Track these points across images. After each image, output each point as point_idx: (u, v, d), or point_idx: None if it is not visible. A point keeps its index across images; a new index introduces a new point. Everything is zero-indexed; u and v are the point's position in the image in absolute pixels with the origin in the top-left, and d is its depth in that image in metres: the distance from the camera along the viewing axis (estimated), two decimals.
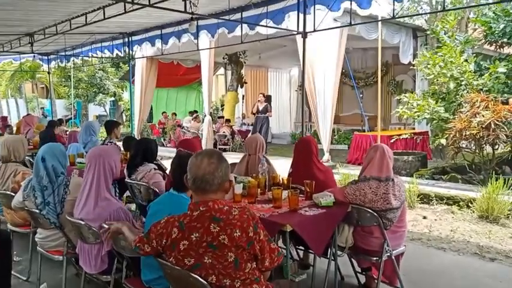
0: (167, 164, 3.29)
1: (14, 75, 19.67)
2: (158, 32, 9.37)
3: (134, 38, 10.32)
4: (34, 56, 11.81)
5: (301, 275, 3.74)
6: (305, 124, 15.11)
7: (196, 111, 15.90)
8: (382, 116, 14.18)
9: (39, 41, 9.16)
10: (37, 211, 3.09)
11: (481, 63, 8.45)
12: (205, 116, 11.62)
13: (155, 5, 5.58)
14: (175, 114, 15.98)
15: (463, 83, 7.80)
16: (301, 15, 6.45)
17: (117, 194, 5.20)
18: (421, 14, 12.49)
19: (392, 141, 9.31)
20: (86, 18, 7.09)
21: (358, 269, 3.63)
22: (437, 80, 8.14)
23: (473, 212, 5.92)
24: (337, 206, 3.05)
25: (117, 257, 2.79)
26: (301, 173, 3.52)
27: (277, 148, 13.20)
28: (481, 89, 7.57)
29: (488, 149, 7.41)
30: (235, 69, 14.77)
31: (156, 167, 3.81)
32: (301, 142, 3.80)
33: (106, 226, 2.56)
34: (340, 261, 3.60)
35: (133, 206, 5.00)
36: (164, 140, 14.71)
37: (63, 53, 12.52)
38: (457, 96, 7.86)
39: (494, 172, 6.82)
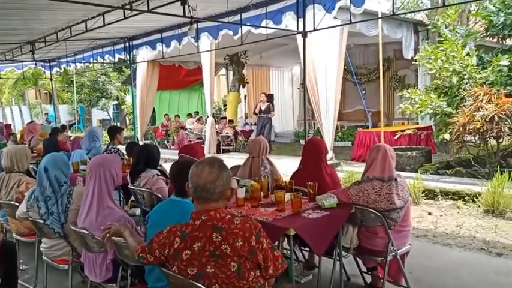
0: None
1: (17, 83, 19.79)
2: (158, 35, 9.39)
3: (135, 42, 10.36)
4: (36, 63, 11.87)
5: (307, 276, 3.75)
6: (308, 122, 15.20)
7: (197, 113, 15.92)
8: (385, 111, 14.14)
9: (40, 48, 9.21)
10: (41, 221, 3.11)
11: (483, 56, 8.39)
12: (207, 117, 11.64)
13: (154, 11, 5.59)
14: (179, 116, 16.00)
15: (465, 76, 7.75)
16: (300, 15, 6.43)
17: (121, 200, 5.26)
18: (422, 10, 12.43)
19: (396, 137, 9.28)
20: (86, 25, 7.12)
21: (364, 269, 3.62)
22: (439, 75, 8.10)
23: (479, 206, 5.88)
24: (341, 208, 3.05)
25: (122, 265, 2.80)
26: (310, 174, 3.50)
27: (281, 147, 13.20)
28: (484, 83, 7.52)
29: (492, 142, 7.37)
30: (236, 69, 14.78)
31: (159, 173, 3.81)
32: (312, 143, 3.77)
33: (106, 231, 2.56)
34: (346, 261, 3.60)
35: (138, 211, 5.03)
36: (168, 142, 14.74)
37: (65, 60, 12.57)
38: (460, 90, 7.82)
39: (499, 165, 6.78)
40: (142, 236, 2.65)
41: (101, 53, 11.26)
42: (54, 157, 3.21)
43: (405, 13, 9.00)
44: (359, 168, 7.07)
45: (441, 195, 6.49)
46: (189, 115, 15.89)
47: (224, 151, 12.08)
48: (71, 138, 8.75)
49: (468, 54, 7.90)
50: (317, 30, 6.38)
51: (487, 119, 6.69)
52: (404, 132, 9.22)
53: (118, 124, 24.29)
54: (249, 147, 4.16)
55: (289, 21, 6.98)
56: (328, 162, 8.56)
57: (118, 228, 2.52)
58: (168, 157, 9.83)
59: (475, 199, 6.04)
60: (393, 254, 3.12)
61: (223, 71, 17.53)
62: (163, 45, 9.31)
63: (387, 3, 6.11)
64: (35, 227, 3.32)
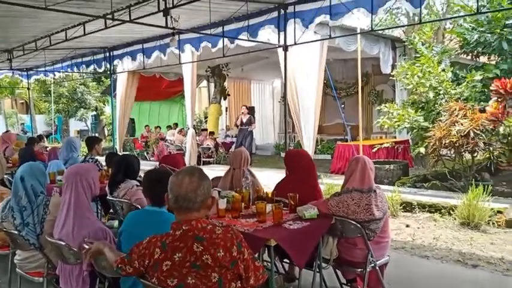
0: None
1: None
2: (140, 46, 9.35)
3: (115, 52, 10.28)
4: (13, 72, 11.63)
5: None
6: (288, 135, 15.30)
7: (176, 125, 15.84)
8: (364, 125, 14.37)
9: (18, 57, 9.04)
10: (16, 232, 3.02)
11: (458, 72, 8.65)
12: (188, 129, 11.60)
13: (136, 21, 5.58)
14: (159, 128, 15.89)
15: (441, 92, 7.97)
16: (281, 29, 6.53)
17: (99, 212, 5.16)
18: (399, 27, 12.79)
19: (374, 150, 9.42)
20: (66, 34, 7.04)
21: (344, 280, 3.63)
22: (416, 90, 8.30)
23: (455, 219, 6.00)
24: (321, 219, 3.07)
25: (99, 277, 2.74)
26: (301, 186, 3.46)
27: (262, 159, 13.22)
28: (459, 98, 7.75)
29: (467, 156, 7.57)
30: (218, 81, 14.82)
31: (138, 184, 3.77)
32: (305, 156, 3.78)
33: (86, 246, 2.51)
34: (326, 273, 3.61)
35: (115, 223, 4.94)
36: (147, 153, 14.58)
37: (44, 69, 12.37)
38: (436, 105, 8.02)
39: (474, 179, 6.95)
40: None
41: (80, 62, 11.13)
42: (31, 166, 3.14)
43: (383, 29, 9.19)
44: (338, 181, 7.13)
45: (418, 208, 6.60)
46: (169, 127, 15.81)
47: (205, 163, 12.03)
48: (47, 149, 8.58)
49: (444, 70, 8.14)
50: (298, 44, 6.47)
51: (463, 134, 6.88)
52: (382, 146, 9.37)
53: (96, 135, 23.97)
54: (230, 159, 4.16)
55: (270, 34, 7.07)
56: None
57: (98, 247, 2.44)
58: (147, 168, 9.70)
59: (451, 212, 6.17)
60: (372, 265, 3.15)
61: (204, 83, 17.55)
62: (145, 56, 9.27)
63: (366, 19, 6.25)
64: (9, 238, 3.23)
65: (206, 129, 13.90)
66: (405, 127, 8.27)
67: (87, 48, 10.02)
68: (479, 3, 4.91)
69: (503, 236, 5.48)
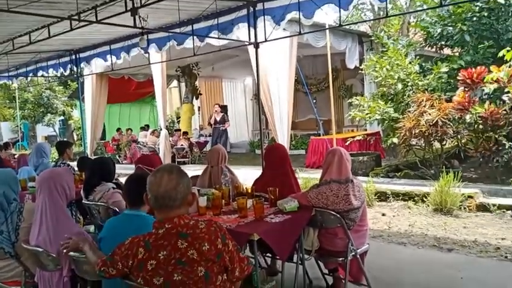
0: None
1: None
2: (107, 47, 9.15)
3: (82, 55, 10.02)
4: None
5: (270, 282, 3.76)
6: (263, 132, 15.34)
7: (148, 126, 15.62)
8: (336, 119, 14.59)
9: None
10: None
11: (423, 64, 8.89)
12: (161, 129, 11.47)
13: (103, 22, 5.47)
14: (131, 130, 15.62)
15: (409, 84, 8.18)
16: (251, 26, 6.53)
17: (75, 217, 5.03)
18: (366, 21, 13.04)
19: (347, 143, 9.57)
20: (30, 37, 6.81)
21: (326, 271, 3.69)
22: (385, 82, 8.49)
23: (428, 206, 6.19)
24: (302, 211, 3.11)
25: (80, 282, 2.68)
26: (278, 179, 3.52)
27: (237, 157, 13.20)
28: (426, 89, 7.97)
29: (436, 145, 7.80)
30: (189, 81, 14.69)
31: (115, 186, 3.70)
32: (279, 149, 3.81)
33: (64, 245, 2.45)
34: (308, 265, 3.65)
35: (91, 228, 4.84)
36: (119, 156, 14.32)
37: (7, 74, 11.94)
38: (405, 97, 8.23)
39: (444, 166, 7.17)
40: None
41: (45, 66, 10.78)
42: (1, 173, 3.04)
43: (351, 24, 9.35)
44: (314, 175, 7.23)
45: (392, 197, 6.78)
46: (142, 128, 15.55)
47: (180, 163, 11.90)
48: (15, 156, 8.31)
49: (411, 62, 8.35)
50: (269, 41, 6.49)
51: (431, 123, 7.08)
52: (355, 139, 9.54)
53: (65, 140, 23.35)
54: (207, 157, 4.15)
55: (240, 32, 7.07)
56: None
57: (76, 242, 2.41)
58: (121, 172, 9.54)
59: (424, 199, 6.36)
60: (353, 253, 3.21)
61: (175, 83, 17.36)
62: (112, 58, 9.08)
63: (334, 14, 6.33)
64: None
65: (179, 130, 13.76)
66: (376, 119, 8.44)
67: (53, 51, 9.72)
68: None
69: (475, 219, 5.70)
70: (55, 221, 2.66)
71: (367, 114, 8.50)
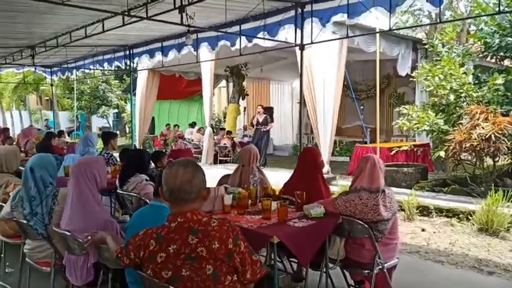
0: None
1: (17, 88, 19.84)
2: (159, 44, 9.43)
3: (135, 50, 10.40)
4: (35, 68, 11.91)
5: (294, 287, 3.70)
6: (308, 136, 15.18)
7: (195, 123, 15.93)
8: (385, 128, 14.16)
9: (40, 53, 9.25)
10: (25, 222, 3.07)
11: (479, 75, 8.42)
12: (206, 127, 11.67)
13: (152, 18, 5.63)
14: (178, 126, 16.02)
15: (462, 95, 7.77)
16: (298, 28, 6.48)
17: (113, 206, 5.20)
18: (415, 26, 12.54)
19: (392, 153, 9.26)
20: (86, 31, 7.16)
21: (352, 282, 3.56)
22: (436, 92, 8.12)
23: (473, 224, 5.84)
24: (327, 217, 3.02)
25: (103, 268, 2.76)
26: (306, 183, 3.47)
27: (279, 160, 13.16)
28: (481, 101, 7.54)
29: (488, 161, 7.36)
30: (236, 81, 14.84)
31: (148, 178, 3.78)
32: (309, 152, 3.74)
33: (90, 237, 2.53)
34: (334, 274, 3.55)
35: (128, 217, 4.98)
36: (166, 151, 14.69)
37: (66, 66, 12.63)
38: (457, 108, 7.83)
39: (495, 184, 6.74)
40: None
41: (101, 60, 11.31)
42: (41, 157, 3.19)
43: (400, 29, 9.01)
44: None
45: (435, 212, 6.45)
46: (191, 125, 15.88)
47: (222, 162, 12.06)
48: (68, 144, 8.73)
49: (465, 73, 7.94)
50: (315, 43, 6.40)
51: (484, 138, 6.69)
52: (401, 148, 9.21)
53: (118, 132, 24.35)
54: (239, 156, 4.15)
55: (288, 34, 7.03)
56: (325, 176, 8.55)
57: (102, 236, 2.47)
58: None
59: (469, 217, 6.00)
60: (380, 267, 3.07)
61: (224, 83, 17.59)
62: (163, 55, 9.35)
63: (385, 19, 6.15)
64: (19, 227, 3.28)
65: (224, 129, 13.93)
66: (425, 129, 8.09)
67: (108, 45, 10.16)
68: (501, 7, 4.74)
69: None
70: (82, 206, 2.74)
71: (415, 124, 8.16)
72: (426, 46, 9.17)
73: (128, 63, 10.88)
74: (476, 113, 6.99)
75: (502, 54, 8.54)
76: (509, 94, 7.55)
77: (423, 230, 5.87)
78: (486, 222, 5.62)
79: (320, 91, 8.64)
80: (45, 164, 3.15)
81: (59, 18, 6.71)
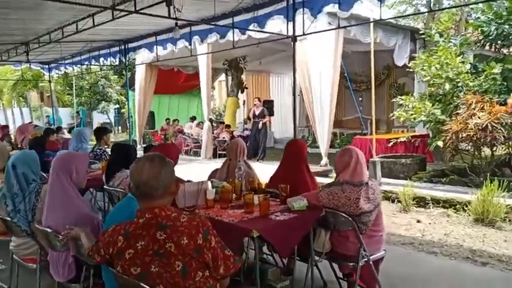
0: None
1: (16, 85, 19.88)
2: (153, 38, 9.39)
3: (130, 45, 10.36)
4: (30, 64, 11.93)
5: (284, 281, 3.68)
6: (309, 129, 15.09)
7: (194, 117, 15.90)
8: (385, 119, 14.06)
9: (34, 49, 9.23)
10: (9, 219, 3.06)
11: (477, 64, 8.32)
12: (205, 121, 11.65)
13: (141, 12, 5.58)
14: (178, 121, 16.00)
15: (459, 84, 7.68)
16: (289, 20, 6.41)
17: (107, 202, 5.17)
18: (407, 16, 12.40)
19: (390, 144, 9.20)
20: (77, 26, 7.13)
21: (340, 275, 3.54)
22: (433, 82, 8.04)
23: (469, 215, 5.79)
24: (310, 210, 2.98)
25: (85, 265, 2.74)
26: (291, 175, 3.43)
27: (279, 153, 13.07)
28: (478, 90, 7.45)
29: (486, 150, 7.29)
30: (235, 74, 14.77)
31: None
32: (296, 146, 3.68)
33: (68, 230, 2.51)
34: (323, 267, 3.53)
35: None
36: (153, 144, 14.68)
37: (63, 62, 12.62)
38: (454, 98, 7.75)
39: (493, 174, 6.68)
40: None
41: (97, 55, 11.28)
42: (23, 154, 3.18)
43: (391, 18, 8.90)
44: None
45: (432, 203, 6.41)
46: (191, 119, 15.85)
47: (221, 155, 12.02)
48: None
49: (462, 62, 7.84)
50: (306, 34, 6.34)
51: (480, 127, 6.62)
52: (399, 140, 9.15)
53: (119, 128, 24.36)
54: (227, 150, 4.11)
55: (282, 25, 6.96)
56: (322, 169, 8.51)
57: (76, 233, 2.46)
58: None
59: (466, 208, 5.95)
60: (365, 259, 3.04)
61: (223, 76, 17.53)
62: (158, 49, 9.30)
63: (382, 9, 6.06)
64: (4, 224, 3.27)
65: (223, 122, 13.89)
66: (421, 120, 8.02)
67: (102, 41, 10.14)
68: None
69: None
70: (62, 200, 2.72)
71: (411, 115, 8.09)
72: (424, 36, 9.08)
73: (124, 57, 10.84)
74: (473, 102, 6.93)
75: (499, 42, 8.43)
76: (506, 83, 7.45)
77: (418, 221, 5.83)
78: (482, 213, 5.57)
79: (317, 83, 8.59)
80: (27, 160, 3.13)
81: (49, 13, 6.69)
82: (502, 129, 6.58)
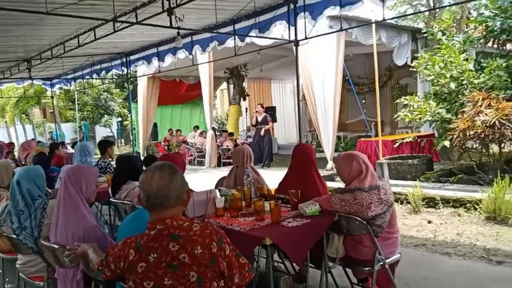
0: None
1: (19, 102, 19.96)
2: (155, 50, 9.39)
3: (132, 57, 10.37)
4: (32, 81, 11.94)
5: None
6: (312, 133, 15.03)
7: (197, 127, 15.89)
8: (389, 120, 13.99)
9: (36, 65, 9.25)
10: (14, 236, 3.00)
11: (481, 61, 8.25)
12: (208, 130, 11.62)
13: (142, 22, 5.57)
14: (180, 131, 15.98)
15: (464, 82, 7.62)
16: (291, 24, 6.38)
17: (114, 216, 5.11)
18: (409, 15, 12.35)
19: (396, 145, 9.12)
20: (79, 40, 7.13)
21: (355, 280, 3.45)
22: (437, 81, 7.98)
23: (481, 213, 5.69)
24: (323, 215, 2.92)
25: (95, 281, 2.67)
26: (300, 179, 3.36)
27: (284, 159, 13.05)
28: (483, 88, 7.38)
29: (495, 148, 7.19)
30: (236, 82, 14.77)
31: None
32: (303, 148, 3.63)
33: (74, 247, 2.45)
34: (337, 273, 3.45)
35: None
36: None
37: (65, 77, 12.65)
38: (459, 96, 7.68)
39: (503, 171, 6.58)
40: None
41: (99, 69, 11.30)
42: (27, 170, 3.12)
43: (393, 18, 8.87)
44: None
45: (442, 203, 6.31)
46: (195, 128, 15.82)
47: (225, 164, 11.99)
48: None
49: (466, 59, 7.78)
50: (308, 38, 6.30)
51: (488, 125, 6.54)
52: (404, 140, 9.07)
53: (122, 140, 24.38)
54: (232, 157, 4.05)
55: (284, 31, 6.94)
56: (328, 173, 8.42)
57: (83, 249, 2.38)
58: None
59: (477, 206, 5.85)
60: (381, 263, 2.96)
61: (225, 85, 17.53)
62: (160, 60, 9.30)
63: (380, 11, 6.02)
64: (10, 242, 3.22)
65: (226, 131, 13.86)
66: (427, 120, 7.94)
67: (104, 54, 10.14)
68: None
69: None
70: (70, 214, 2.65)
71: (417, 115, 8.02)
72: (426, 35, 9.03)
73: (125, 70, 10.85)
74: (479, 99, 6.85)
75: (504, 37, 8.36)
76: (511, 79, 7.38)
77: (429, 222, 5.73)
78: (494, 211, 5.48)
79: (320, 87, 8.56)
80: (32, 176, 3.07)
81: (50, 29, 6.70)
82: (510, 125, 6.50)
